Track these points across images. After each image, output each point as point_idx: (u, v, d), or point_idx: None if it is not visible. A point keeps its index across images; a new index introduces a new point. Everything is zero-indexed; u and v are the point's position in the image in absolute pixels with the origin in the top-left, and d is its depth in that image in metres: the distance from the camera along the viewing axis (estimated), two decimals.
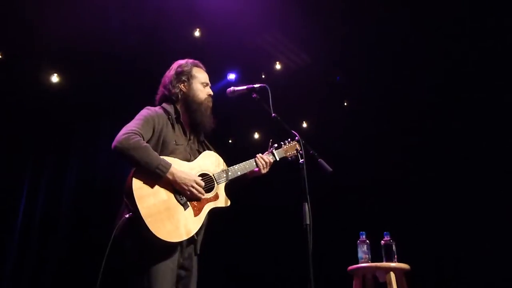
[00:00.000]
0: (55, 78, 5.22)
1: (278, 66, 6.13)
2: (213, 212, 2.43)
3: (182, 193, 2.30)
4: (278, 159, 2.69)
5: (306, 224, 2.03)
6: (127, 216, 2.17)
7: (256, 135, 6.56)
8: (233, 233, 5.57)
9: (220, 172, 2.50)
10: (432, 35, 5.22)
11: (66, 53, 4.97)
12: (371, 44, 5.58)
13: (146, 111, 2.46)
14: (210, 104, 2.62)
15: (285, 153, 2.75)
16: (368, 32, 5.44)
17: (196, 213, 2.32)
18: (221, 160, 2.59)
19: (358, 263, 3.43)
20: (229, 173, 2.52)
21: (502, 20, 4.78)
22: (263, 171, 2.63)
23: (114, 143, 2.22)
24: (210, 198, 2.41)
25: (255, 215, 5.79)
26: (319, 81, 6.12)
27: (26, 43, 4.83)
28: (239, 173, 2.56)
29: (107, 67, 5.15)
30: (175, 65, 2.67)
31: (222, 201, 2.46)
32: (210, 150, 2.64)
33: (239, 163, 2.61)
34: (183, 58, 2.72)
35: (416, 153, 5.53)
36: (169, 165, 2.26)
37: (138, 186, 2.19)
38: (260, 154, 2.66)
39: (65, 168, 5.29)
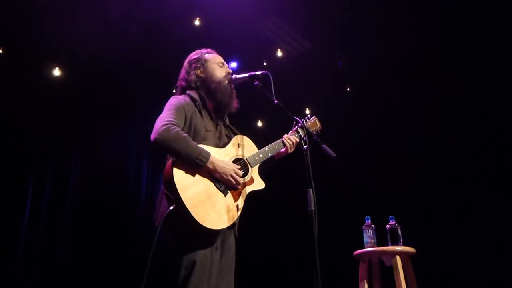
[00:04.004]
0: (57, 72, 5.24)
1: (279, 53, 6.10)
2: (249, 195, 2.48)
3: (222, 182, 2.32)
4: (302, 135, 2.65)
5: (311, 210, 2.03)
6: (171, 208, 2.16)
7: (259, 123, 6.54)
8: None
9: (252, 155, 2.53)
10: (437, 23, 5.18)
11: (67, 45, 4.97)
12: (373, 29, 5.54)
13: (175, 100, 2.43)
14: (231, 82, 2.59)
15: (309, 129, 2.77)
16: (370, 17, 5.39)
17: (236, 199, 2.36)
18: (251, 143, 2.61)
19: (363, 248, 3.44)
20: (261, 155, 2.55)
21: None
22: (290, 150, 2.69)
23: (154, 135, 2.20)
24: (246, 182, 2.45)
25: (260, 201, 5.79)
26: (321, 67, 6.08)
27: (27, 37, 4.82)
28: (269, 154, 2.59)
29: (109, 58, 5.14)
30: (187, 58, 2.68)
31: (257, 184, 2.50)
32: (237, 134, 2.64)
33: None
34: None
35: (421, 135, 5.51)
36: (209, 154, 2.26)
37: (179, 177, 2.19)
38: (286, 135, 2.70)
39: (69, 161, 5.31)
